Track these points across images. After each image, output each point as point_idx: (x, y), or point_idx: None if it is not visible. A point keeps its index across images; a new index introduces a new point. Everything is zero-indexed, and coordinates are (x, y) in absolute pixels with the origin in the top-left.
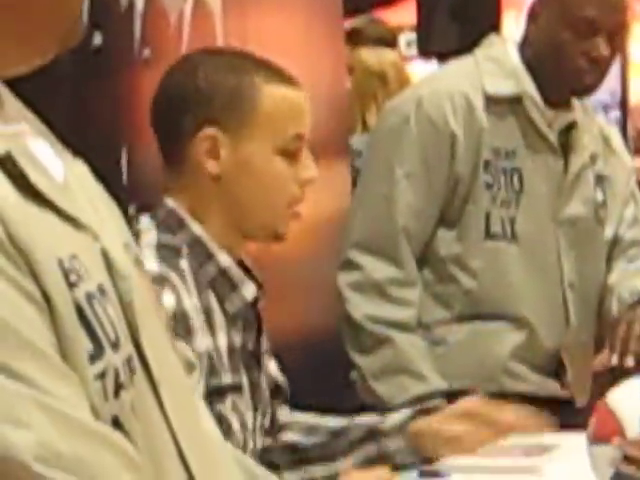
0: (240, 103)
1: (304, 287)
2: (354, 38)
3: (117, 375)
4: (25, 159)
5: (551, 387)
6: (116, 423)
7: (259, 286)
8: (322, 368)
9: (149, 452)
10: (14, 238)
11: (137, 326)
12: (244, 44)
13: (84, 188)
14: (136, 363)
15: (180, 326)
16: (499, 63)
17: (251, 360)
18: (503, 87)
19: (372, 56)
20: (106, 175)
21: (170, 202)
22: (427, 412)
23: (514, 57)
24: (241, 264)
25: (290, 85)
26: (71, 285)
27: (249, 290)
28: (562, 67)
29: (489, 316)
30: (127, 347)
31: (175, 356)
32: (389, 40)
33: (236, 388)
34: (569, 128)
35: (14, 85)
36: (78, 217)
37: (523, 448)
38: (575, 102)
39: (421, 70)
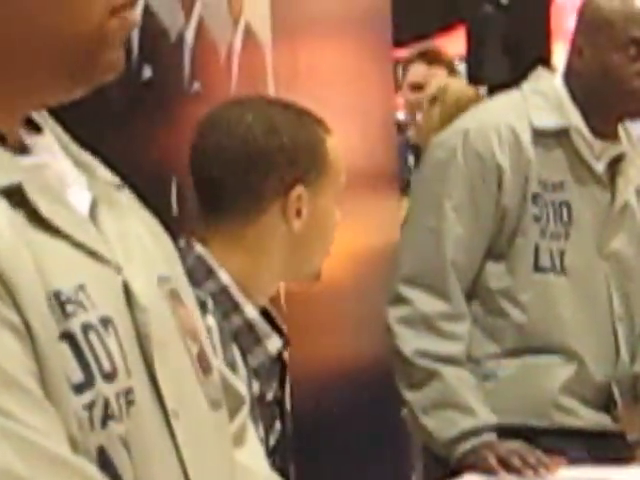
0: (318, 159)
1: (353, 318)
2: (431, 58)
3: (107, 406)
4: (41, 191)
5: (602, 421)
6: (101, 453)
7: (283, 337)
8: (372, 403)
9: None
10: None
11: (153, 359)
12: (294, 76)
13: (119, 222)
14: (140, 395)
15: None
16: (546, 96)
17: (269, 409)
18: (550, 120)
19: (463, 86)
20: (156, 207)
21: (200, 249)
22: None
23: (561, 90)
24: (264, 313)
25: (332, 135)
26: (67, 315)
27: (274, 344)
28: (618, 91)
29: (539, 350)
30: (127, 379)
31: (200, 392)
32: (454, 67)
33: None
34: (616, 160)
35: (61, 115)
36: (97, 249)
37: None
38: (622, 134)
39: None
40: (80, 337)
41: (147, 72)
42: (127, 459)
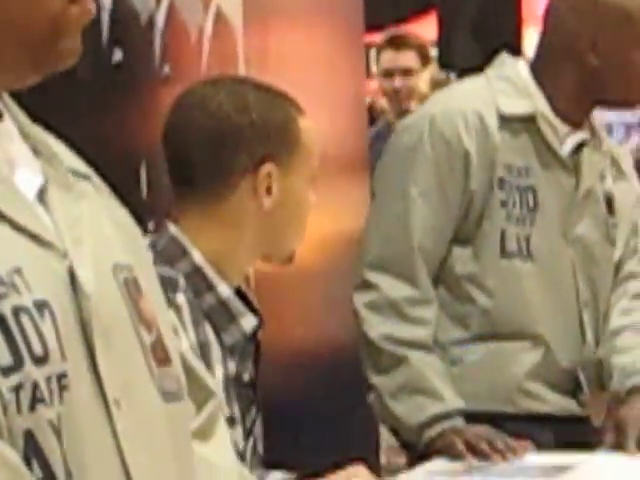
0: (289, 137)
1: (322, 303)
2: (398, 43)
3: (35, 389)
4: None
5: (568, 406)
6: (29, 436)
7: (258, 316)
8: (340, 387)
9: (78, 468)
10: None
11: (94, 346)
12: (265, 60)
13: (73, 206)
14: (75, 381)
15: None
16: (511, 82)
17: (245, 390)
18: (517, 106)
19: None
20: (125, 191)
21: (173, 229)
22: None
23: (525, 75)
24: (239, 294)
25: (306, 116)
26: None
27: (248, 322)
28: (633, 85)
29: (506, 335)
30: (62, 364)
31: (151, 381)
32: (426, 52)
33: (230, 420)
34: (580, 146)
35: (31, 99)
36: (39, 233)
37: (540, 469)
38: (586, 121)
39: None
40: (10, 319)
41: (117, 55)
42: (57, 445)
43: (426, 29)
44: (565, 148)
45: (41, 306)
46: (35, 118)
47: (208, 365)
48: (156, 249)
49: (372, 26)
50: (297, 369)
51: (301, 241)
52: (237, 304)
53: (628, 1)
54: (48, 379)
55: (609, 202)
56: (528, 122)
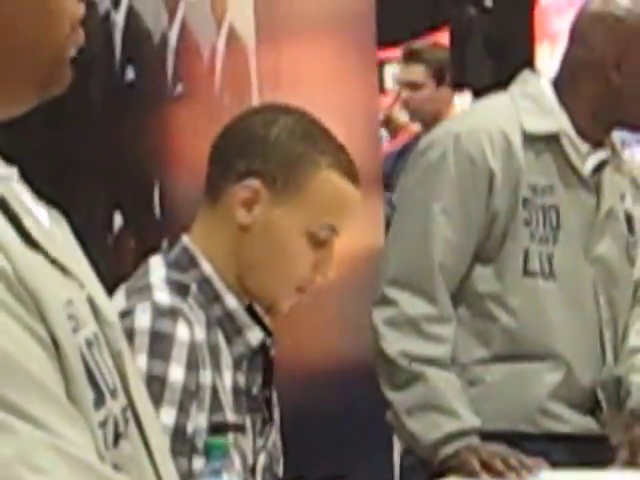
0: (295, 172)
1: (337, 319)
2: (408, 56)
3: (116, 424)
4: (16, 203)
5: (588, 425)
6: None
7: (269, 334)
8: (356, 404)
9: None
10: (23, 280)
11: (127, 376)
12: (278, 78)
13: (64, 236)
14: (130, 413)
15: (193, 357)
16: (535, 100)
17: (255, 404)
18: (541, 125)
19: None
20: (138, 210)
21: (186, 240)
22: None
23: (549, 93)
24: (250, 309)
25: (349, 179)
26: (73, 330)
27: (255, 336)
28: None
29: (527, 355)
30: (124, 396)
31: (152, 409)
32: (443, 69)
33: (239, 428)
34: (602, 165)
35: (45, 117)
36: (65, 264)
37: None
38: (607, 140)
39: (455, 101)
40: (87, 353)
41: (130, 73)
42: (136, 478)
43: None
44: (587, 167)
45: (97, 338)
46: (48, 137)
47: (217, 368)
48: (168, 258)
49: (387, 42)
50: (311, 385)
51: (287, 295)
52: (243, 316)
53: None
54: (121, 412)
55: (629, 221)
56: (551, 141)
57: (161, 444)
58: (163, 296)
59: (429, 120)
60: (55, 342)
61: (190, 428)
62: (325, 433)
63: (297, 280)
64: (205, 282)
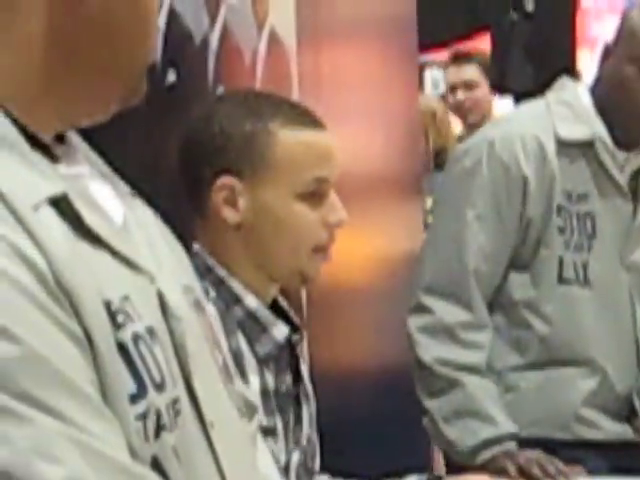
0: (254, 150)
1: (374, 324)
2: (459, 58)
3: (159, 416)
4: (82, 200)
5: (624, 432)
6: (155, 463)
7: (295, 328)
8: (394, 409)
9: None
10: (60, 278)
11: (189, 368)
12: (319, 81)
13: (144, 230)
14: (183, 405)
15: None
16: (571, 107)
17: (286, 402)
18: (575, 131)
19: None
20: (180, 213)
21: (197, 247)
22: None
23: (585, 100)
24: (275, 305)
25: (310, 127)
26: (118, 326)
27: (280, 331)
28: (627, 104)
29: (562, 362)
30: (174, 389)
31: (229, 401)
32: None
33: (270, 431)
34: (638, 172)
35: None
36: (134, 259)
37: None
38: None
39: (496, 106)
40: (132, 348)
41: (171, 76)
42: (179, 470)
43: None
44: (624, 174)
45: (151, 332)
46: (88, 140)
47: (242, 374)
48: None
49: (428, 46)
50: (348, 389)
51: (312, 262)
52: (266, 314)
53: (637, 17)
54: (167, 406)
55: None
56: (586, 148)
57: (234, 439)
58: None
59: (480, 120)
60: (89, 338)
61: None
62: (361, 437)
63: (312, 243)
64: (222, 285)
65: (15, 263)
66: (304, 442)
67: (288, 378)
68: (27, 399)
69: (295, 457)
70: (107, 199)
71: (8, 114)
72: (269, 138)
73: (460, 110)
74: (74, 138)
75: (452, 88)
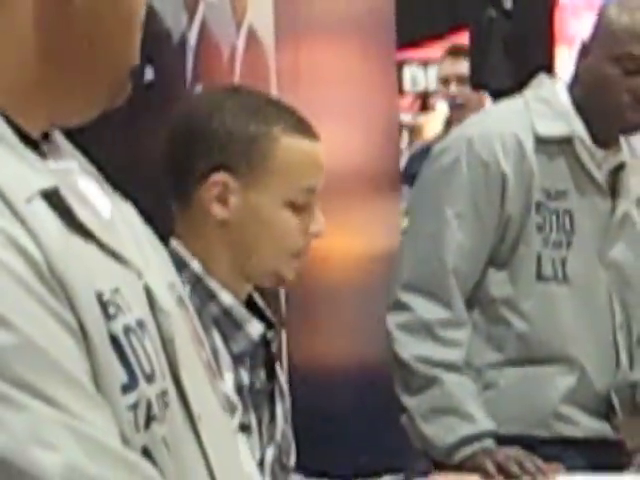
0: (255, 153)
1: (354, 323)
2: (455, 52)
3: (149, 407)
4: (72, 195)
5: (602, 430)
6: (145, 454)
7: (270, 325)
8: (371, 407)
9: None
10: (54, 270)
11: (177, 362)
12: (297, 78)
13: (129, 227)
14: (172, 398)
15: None
16: (549, 104)
17: (260, 398)
18: (553, 128)
19: None
20: (156, 212)
21: (173, 242)
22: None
23: (564, 97)
24: (250, 302)
25: (308, 137)
26: (109, 317)
27: (255, 328)
28: (607, 103)
29: (541, 359)
30: (162, 381)
31: (214, 395)
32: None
33: (244, 427)
34: (617, 169)
35: None
36: (122, 253)
37: None
38: (623, 144)
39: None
40: (123, 339)
41: (149, 74)
42: (168, 460)
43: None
44: (602, 172)
45: (141, 325)
46: (66, 138)
47: (219, 371)
48: None
49: (406, 44)
50: (326, 386)
51: (289, 266)
52: (241, 311)
53: (616, 17)
54: (157, 397)
55: None
56: (564, 145)
57: (219, 432)
58: None
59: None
60: (82, 328)
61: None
62: (340, 435)
63: (292, 249)
64: (198, 282)
65: (11, 253)
66: (278, 438)
67: (262, 374)
68: (24, 387)
69: (269, 453)
70: (95, 195)
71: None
72: (271, 143)
73: (451, 105)
74: (58, 136)
75: (444, 80)
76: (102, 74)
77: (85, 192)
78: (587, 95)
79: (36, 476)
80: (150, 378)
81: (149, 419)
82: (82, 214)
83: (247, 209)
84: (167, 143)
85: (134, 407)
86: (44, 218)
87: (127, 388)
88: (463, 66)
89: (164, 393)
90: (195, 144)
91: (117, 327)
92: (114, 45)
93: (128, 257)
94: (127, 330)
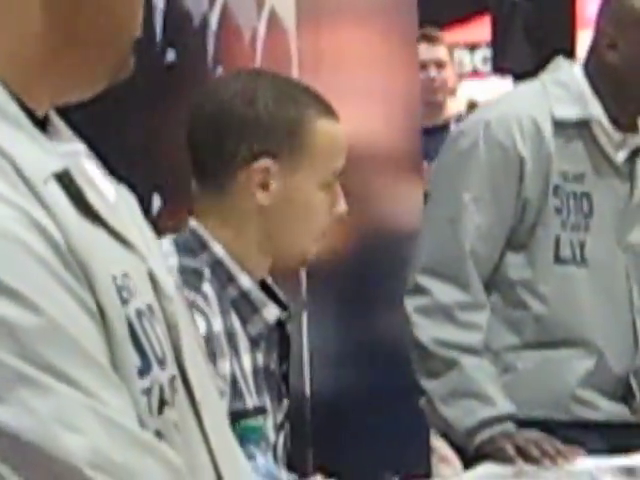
0: (298, 137)
1: (374, 305)
2: (431, 37)
3: (162, 391)
4: (80, 177)
5: (621, 413)
6: (160, 438)
7: (284, 308)
8: (391, 387)
9: (190, 469)
10: (74, 250)
11: (181, 348)
12: (318, 61)
13: (130, 211)
14: (179, 383)
15: (212, 349)
16: (566, 87)
17: (272, 380)
18: (571, 112)
19: None
20: (176, 193)
21: (193, 223)
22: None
23: (581, 80)
24: (264, 285)
25: (335, 119)
26: (123, 301)
27: (271, 312)
28: (629, 85)
29: (559, 342)
30: (171, 366)
31: (210, 380)
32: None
33: (261, 410)
34: (635, 152)
35: (89, 101)
36: (127, 237)
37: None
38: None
39: (496, 86)
40: (136, 323)
41: (170, 56)
42: (180, 445)
43: (481, 31)
44: (620, 154)
45: (150, 309)
46: (88, 118)
47: (236, 353)
48: (178, 243)
49: (428, 26)
50: (347, 369)
51: (315, 246)
52: (259, 295)
53: None
54: (168, 381)
55: None
56: (582, 128)
57: (217, 417)
58: None
59: (443, 102)
60: (102, 312)
61: None
62: (360, 416)
63: (322, 229)
64: (218, 264)
65: (33, 234)
66: (286, 421)
67: (275, 357)
68: (49, 369)
69: (281, 436)
70: (99, 178)
71: (7, 89)
72: (310, 126)
73: (431, 86)
74: (55, 118)
75: (422, 65)
76: (107, 44)
77: (92, 175)
78: (623, 81)
79: (64, 460)
80: (162, 362)
81: (162, 404)
82: (91, 197)
83: (286, 193)
84: (200, 128)
85: (148, 392)
86: (60, 200)
87: (141, 372)
88: (439, 51)
89: (174, 378)
90: (237, 129)
91: (130, 311)
92: (118, 15)
93: (133, 241)
94: (139, 314)
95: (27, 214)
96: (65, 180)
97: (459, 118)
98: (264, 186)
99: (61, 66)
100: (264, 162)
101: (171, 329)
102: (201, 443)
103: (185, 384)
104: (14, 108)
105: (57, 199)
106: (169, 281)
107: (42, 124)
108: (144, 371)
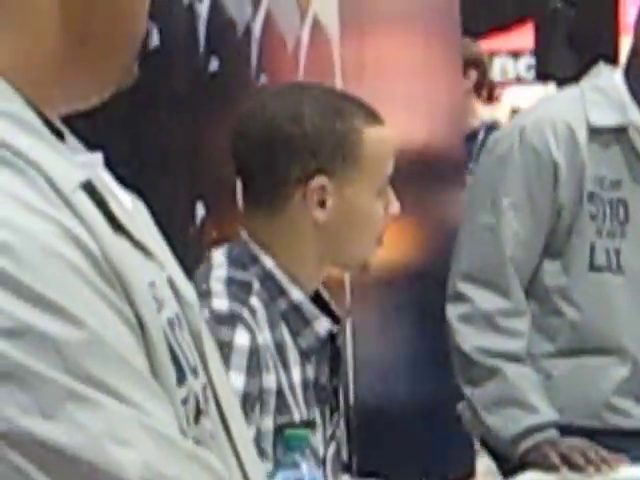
0: (346, 149)
1: (417, 312)
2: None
3: (197, 401)
4: (102, 188)
5: None
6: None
7: (336, 320)
8: (435, 394)
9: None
10: (109, 260)
11: (206, 356)
12: (362, 69)
13: (144, 220)
14: (209, 392)
15: (254, 363)
16: (605, 93)
17: (323, 394)
18: (607, 118)
19: None
20: (221, 200)
21: (244, 235)
22: None
23: (622, 86)
24: (318, 298)
25: (381, 124)
26: (157, 311)
27: (322, 325)
28: None
29: (593, 350)
30: (202, 375)
31: (230, 388)
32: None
33: (310, 424)
34: None
35: (126, 108)
36: (146, 246)
37: None
38: None
39: (539, 93)
40: (169, 332)
41: (214, 64)
42: (217, 453)
43: (523, 38)
44: None
45: (179, 319)
46: (132, 127)
47: (285, 366)
48: (230, 256)
49: (470, 34)
50: (392, 375)
51: (375, 252)
52: (310, 308)
53: None
54: (202, 390)
55: None
56: (620, 134)
57: (239, 424)
58: (221, 303)
59: None
60: (140, 323)
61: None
62: (403, 423)
63: (380, 234)
64: (268, 278)
65: (68, 245)
66: (339, 434)
67: (326, 369)
68: (95, 383)
69: (331, 449)
70: (115, 187)
71: (26, 99)
72: (358, 136)
73: None
74: (66, 130)
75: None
76: (119, 45)
77: (110, 184)
78: None
79: (116, 476)
80: (194, 371)
81: (198, 413)
82: (114, 207)
83: (344, 206)
84: (248, 150)
85: (185, 401)
86: (92, 212)
87: (179, 382)
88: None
89: (205, 387)
90: (287, 149)
91: (163, 321)
92: (130, 14)
93: (152, 250)
94: (171, 323)
95: (60, 224)
96: (89, 190)
97: (492, 126)
98: (321, 204)
99: (74, 67)
100: (319, 180)
101: (195, 337)
102: (230, 451)
103: (213, 393)
104: (32, 116)
105: (87, 208)
106: (189, 288)
107: (59, 133)
108: (180, 381)
